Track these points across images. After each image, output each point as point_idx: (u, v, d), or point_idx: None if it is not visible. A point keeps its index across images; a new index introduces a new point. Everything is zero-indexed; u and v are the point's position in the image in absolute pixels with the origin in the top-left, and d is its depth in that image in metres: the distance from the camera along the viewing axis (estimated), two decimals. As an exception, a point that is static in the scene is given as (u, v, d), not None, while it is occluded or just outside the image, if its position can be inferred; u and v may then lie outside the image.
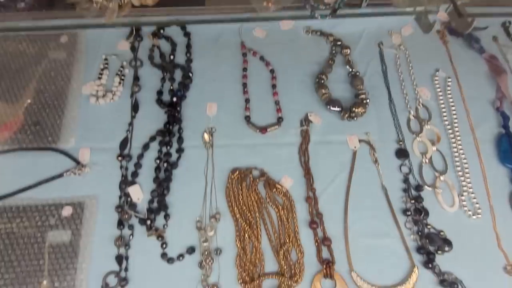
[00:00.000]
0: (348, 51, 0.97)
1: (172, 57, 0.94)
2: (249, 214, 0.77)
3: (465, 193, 0.82)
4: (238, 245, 0.75)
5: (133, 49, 0.95)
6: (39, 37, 0.96)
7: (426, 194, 0.82)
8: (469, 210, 0.80)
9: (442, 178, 0.83)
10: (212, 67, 0.96)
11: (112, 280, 0.72)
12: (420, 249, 0.76)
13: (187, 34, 0.99)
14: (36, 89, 0.89)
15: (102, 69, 0.92)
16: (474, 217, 0.80)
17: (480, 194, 0.83)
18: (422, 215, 0.79)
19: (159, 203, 0.77)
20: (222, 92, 0.92)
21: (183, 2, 1.01)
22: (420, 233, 0.78)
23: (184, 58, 0.96)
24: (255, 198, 0.79)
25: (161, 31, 0.98)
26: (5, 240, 0.74)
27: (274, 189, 0.80)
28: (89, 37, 0.98)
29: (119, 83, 0.90)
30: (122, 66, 0.93)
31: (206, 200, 0.79)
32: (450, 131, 0.89)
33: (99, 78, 0.91)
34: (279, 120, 0.88)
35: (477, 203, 0.81)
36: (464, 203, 0.81)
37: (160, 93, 0.90)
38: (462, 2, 1.00)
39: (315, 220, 0.78)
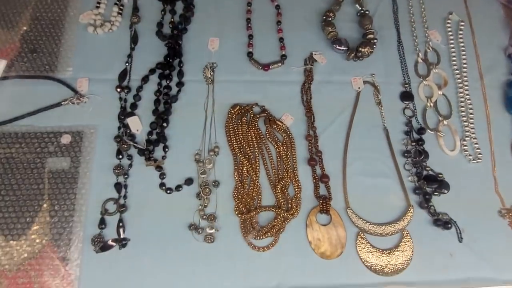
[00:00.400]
0: (359, -12, 0.92)
1: (173, -12, 0.90)
2: (248, 149, 0.77)
3: (467, 138, 0.81)
4: (236, 178, 0.75)
5: (133, -22, 0.91)
6: (34, -38, 0.91)
7: (428, 138, 0.81)
8: (469, 155, 0.80)
9: (445, 122, 0.82)
10: (214, 1, 0.91)
11: (111, 207, 0.73)
12: (417, 190, 0.77)
13: (189, -35, 0.93)
14: (32, 16, 0.86)
15: (100, -2, 0.88)
16: (474, 161, 0.80)
17: (482, 140, 0.82)
18: (422, 157, 0.78)
19: (158, 134, 0.77)
20: (224, 27, 0.88)
21: None
22: (418, 175, 0.78)
23: (186, -10, 0.91)
24: (254, 134, 0.78)
25: (162, -40, 0.93)
26: (5, 164, 0.75)
27: (274, 126, 0.79)
28: (86, -36, 0.93)
29: (118, 13, 0.87)
30: (120, -4, 0.89)
31: (205, 134, 0.79)
32: (458, 76, 0.87)
33: (97, 7, 0.87)
34: (283, 57, 0.85)
35: (478, 149, 0.81)
36: (465, 147, 0.81)
37: (160, 25, 0.86)
38: None
39: (314, 158, 0.78)
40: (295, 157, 0.78)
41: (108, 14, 0.88)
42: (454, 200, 0.77)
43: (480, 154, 0.80)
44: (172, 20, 0.87)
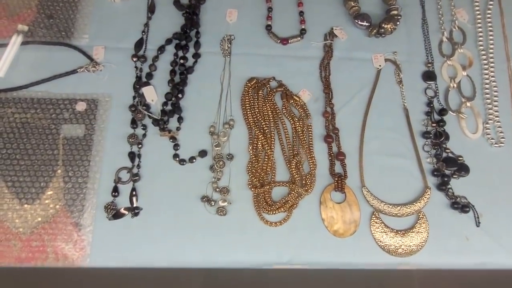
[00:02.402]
0: (383, -37, 0.89)
1: (191, -43, 0.88)
2: (263, 123, 0.75)
3: (490, 121, 0.79)
4: (251, 152, 0.74)
5: None
6: None
7: (449, 119, 0.79)
8: (492, 139, 0.77)
9: (468, 104, 0.79)
10: (234, -28, 0.89)
11: (125, 176, 0.73)
12: (435, 172, 0.75)
13: None
14: (49, -19, 0.85)
15: (118, -34, 0.86)
16: (496, 145, 0.77)
17: (506, 124, 0.79)
18: (442, 139, 0.76)
19: (173, 105, 0.76)
20: (243, -2, 0.87)
21: None
22: (437, 157, 0.76)
23: (205, -40, 0.89)
24: (270, 108, 0.77)
25: None
26: (20, 129, 0.75)
27: (291, 101, 0.77)
28: None
29: (135, -19, 0.85)
30: (138, -36, 0.87)
31: (220, 107, 0.78)
32: (484, 57, 0.83)
33: (115, -25, 0.86)
34: (302, 32, 0.83)
35: (501, 132, 0.78)
36: (488, 131, 0.78)
37: (177, -6, 0.85)
38: None
39: (331, 135, 0.76)
40: (311, 133, 0.76)
41: (126, -18, 0.86)
42: (473, 183, 0.75)
43: (503, 138, 0.77)
44: (190, -11, 0.85)
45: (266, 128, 0.75)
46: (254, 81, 0.78)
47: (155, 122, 0.75)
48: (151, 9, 0.84)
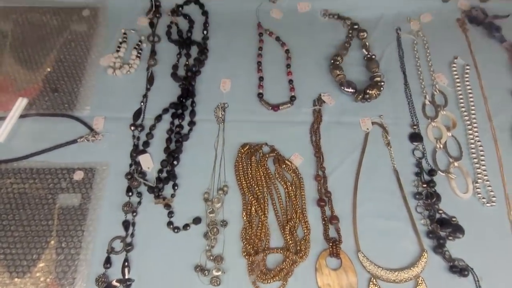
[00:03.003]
0: (365, 34, 0.96)
1: (189, 34, 0.96)
2: (257, 188, 0.77)
3: (479, 181, 0.80)
4: (245, 218, 0.75)
5: (152, 25, 0.97)
6: (63, 10, 0.99)
7: (439, 180, 0.80)
8: (483, 198, 0.78)
9: (456, 164, 0.81)
10: (227, 45, 0.96)
11: (118, 245, 0.73)
12: (430, 234, 0.75)
13: (205, 13, 1.00)
14: (56, 58, 0.92)
15: (121, 43, 0.94)
16: (488, 205, 0.77)
17: (495, 183, 0.80)
18: (434, 199, 0.77)
19: (168, 172, 0.78)
20: (236, 69, 0.92)
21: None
22: (431, 218, 0.76)
23: (201, 35, 0.96)
24: (263, 173, 0.79)
25: (180, 8, 1.00)
26: (18, 199, 0.76)
27: (284, 165, 0.79)
28: (110, 12, 1.00)
29: (137, 56, 0.92)
30: (140, 41, 0.94)
31: (214, 173, 0.79)
32: (466, 117, 0.87)
33: (117, 51, 0.92)
34: (292, 98, 0.88)
35: (492, 191, 0.79)
36: (478, 190, 0.79)
37: (175, 67, 0.91)
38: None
39: (324, 199, 0.77)
40: (304, 197, 0.77)
41: (128, 57, 0.93)
42: (470, 245, 0.74)
43: (494, 197, 0.78)
44: (187, 63, 0.92)
45: (259, 193, 0.77)
46: (247, 147, 0.81)
47: (150, 189, 0.77)
48: (150, 81, 0.89)
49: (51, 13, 0.98)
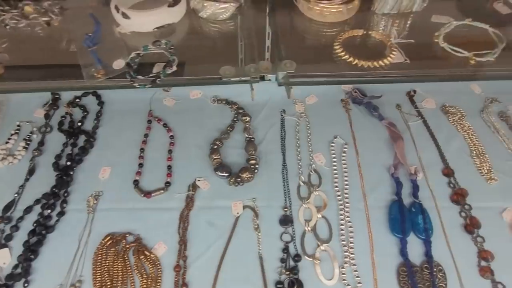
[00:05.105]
0: (247, 118, 1.01)
1: (79, 123, 1.01)
2: (109, 283, 0.74)
3: (346, 265, 0.78)
4: (92, 317, 0.71)
5: (47, 116, 1.02)
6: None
7: (305, 265, 0.78)
8: (348, 284, 0.75)
9: (322, 247, 0.80)
10: (117, 134, 1.00)
11: None
12: (289, 328, 0.70)
13: (100, 103, 1.06)
14: None
15: (12, 135, 0.98)
16: (352, 291, 0.74)
17: (364, 266, 0.78)
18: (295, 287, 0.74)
19: (22, 268, 0.76)
20: (119, 157, 0.95)
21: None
22: (292, 309, 0.72)
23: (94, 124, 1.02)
24: (121, 266, 0.77)
25: (77, 100, 1.06)
26: None
27: (142, 256, 0.78)
28: (9, 105, 1.06)
29: (24, 147, 0.95)
30: (31, 132, 0.99)
31: (72, 267, 0.77)
32: (339, 197, 0.88)
33: (6, 143, 0.96)
34: (166, 184, 0.89)
35: (357, 276, 0.76)
36: (343, 276, 0.76)
37: (58, 157, 0.94)
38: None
39: (178, 291, 0.74)
40: (159, 290, 0.74)
41: (16, 148, 0.96)
42: (334, 339, 0.69)
43: (359, 283, 0.75)
44: (71, 152, 0.95)
45: (111, 288, 0.74)
46: (109, 238, 0.80)
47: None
48: (30, 171, 0.91)
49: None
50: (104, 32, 1.05)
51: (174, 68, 0.95)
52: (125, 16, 1.05)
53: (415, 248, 0.80)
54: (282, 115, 1.04)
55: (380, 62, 0.99)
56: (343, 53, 1.01)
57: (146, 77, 0.93)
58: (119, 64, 0.96)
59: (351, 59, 1.00)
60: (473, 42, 1.05)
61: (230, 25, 1.15)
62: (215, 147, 0.95)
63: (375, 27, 1.13)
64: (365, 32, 1.10)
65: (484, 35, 1.08)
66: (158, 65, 0.97)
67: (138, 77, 0.93)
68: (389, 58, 0.99)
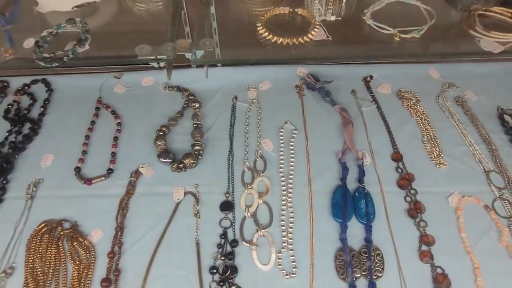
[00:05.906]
0: (197, 104, 0.99)
1: (25, 111, 0.99)
2: (40, 270, 0.73)
3: (283, 250, 0.77)
4: (20, 304, 0.70)
5: (-7, 105, 1.01)
6: None
7: (243, 251, 0.77)
8: (283, 269, 0.74)
9: (261, 233, 0.79)
10: (63, 121, 0.99)
11: None
12: (220, 313, 0.69)
13: (49, 90, 1.04)
14: None
15: (-46, 124, 0.96)
16: (287, 277, 0.73)
17: (302, 251, 0.77)
18: (228, 273, 0.73)
19: (-47, 257, 0.75)
20: (63, 145, 0.93)
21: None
22: (225, 294, 0.71)
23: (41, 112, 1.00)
24: (54, 253, 0.75)
25: (26, 87, 1.05)
26: None
27: (76, 243, 0.76)
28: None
29: (-34, 135, 0.94)
30: (-26, 121, 0.97)
31: (6, 254, 0.76)
32: (283, 183, 0.86)
33: None
34: (108, 171, 0.88)
35: (293, 261, 0.75)
36: (280, 261, 0.75)
37: (1, 145, 0.92)
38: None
39: (109, 278, 0.73)
40: (90, 277, 0.73)
41: (-41, 137, 0.95)
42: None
43: (295, 268, 0.74)
44: (14, 140, 0.93)
45: (42, 276, 0.72)
46: (43, 225, 0.79)
47: None
48: (-28, 160, 0.90)
49: None
50: (23, 11, 1.03)
51: (87, 47, 0.92)
52: (42, -6, 1.02)
53: (356, 233, 0.79)
54: (233, 102, 1.03)
55: (300, 39, 0.97)
56: (263, 30, 1.00)
57: (53, 54, 0.90)
58: (29, 43, 0.93)
59: (270, 36, 0.99)
60: (405, 20, 1.04)
61: (158, 4, 1.12)
62: (161, 133, 0.93)
63: (304, 5, 1.11)
64: (291, 10, 1.08)
65: (417, 12, 1.07)
66: (70, 44, 0.94)
67: (44, 55, 0.90)
68: (309, 35, 0.98)
